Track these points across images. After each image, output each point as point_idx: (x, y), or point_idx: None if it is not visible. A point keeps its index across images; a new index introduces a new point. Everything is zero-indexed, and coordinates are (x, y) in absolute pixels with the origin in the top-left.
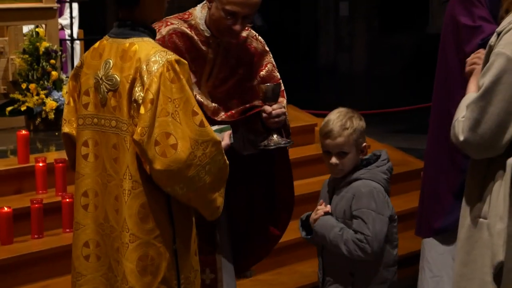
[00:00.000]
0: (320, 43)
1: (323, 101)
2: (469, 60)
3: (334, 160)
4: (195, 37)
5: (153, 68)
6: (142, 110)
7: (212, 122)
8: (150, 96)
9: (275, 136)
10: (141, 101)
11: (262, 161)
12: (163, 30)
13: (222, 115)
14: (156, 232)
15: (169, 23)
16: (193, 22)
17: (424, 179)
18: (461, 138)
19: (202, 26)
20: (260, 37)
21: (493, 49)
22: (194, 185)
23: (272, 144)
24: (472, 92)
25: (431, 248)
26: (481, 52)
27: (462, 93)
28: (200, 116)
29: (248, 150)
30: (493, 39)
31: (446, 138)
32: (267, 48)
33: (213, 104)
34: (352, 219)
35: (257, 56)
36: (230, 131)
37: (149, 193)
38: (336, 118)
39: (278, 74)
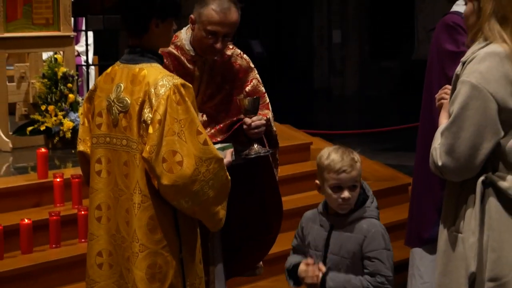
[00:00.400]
0: (315, 68)
1: (318, 121)
2: (438, 96)
3: (347, 194)
4: (182, 57)
5: (161, 91)
6: (150, 130)
7: None
8: (158, 117)
9: (255, 146)
10: (149, 121)
11: (251, 170)
12: None
13: (212, 130)
14: (164, 242)
15: None
16: (179, 43)
17: (413, 194)
18: (440, 163)
19: (188, 46)
20: (245, 55)
21: (459, 78)
22: (199, 199)
23: (252, 153)
24: (444, 124)
25: (422, 256)
26: (448, 88)
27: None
28: (204, 135)
29: (236, 160)
30: (458, 68)
31: None
32: (252, 65)
33: (202, 118)
34: (365, 260)
35: (242, 72)
36: (232, 149)
37: (157, 206)
38: (341, 153)
39: (263, 88)
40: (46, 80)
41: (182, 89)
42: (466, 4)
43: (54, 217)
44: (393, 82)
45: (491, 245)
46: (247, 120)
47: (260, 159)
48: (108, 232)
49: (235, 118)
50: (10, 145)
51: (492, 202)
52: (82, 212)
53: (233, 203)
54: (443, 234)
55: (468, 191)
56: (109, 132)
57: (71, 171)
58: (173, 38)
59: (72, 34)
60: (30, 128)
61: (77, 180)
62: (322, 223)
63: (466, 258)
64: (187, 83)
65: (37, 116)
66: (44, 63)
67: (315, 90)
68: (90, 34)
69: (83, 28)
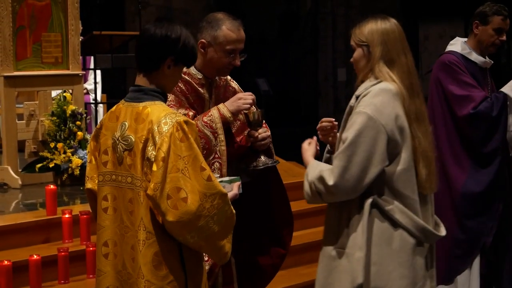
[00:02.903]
0: (320, 105)
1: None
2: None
3: None
4: (192, 81)
5: (164, 129)
6: (154, 168)
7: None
8: (162, 154)
9: (262, 157)
10: (153, 159)
11: (259, 187)
12: None
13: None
14: (170, 278)
15: None
16: (185, 69)
17: None
18: (331, 183)
19: (194, 71)
20: (233, 80)
21: (353, 109)
22: (204, 234)
23: (260, 165)
24: (312, 161)
25: None
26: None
27: (447, 157)
28: (208, 171)
29: (243, 179)
30: (352, 101)
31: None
32: (241, 89)
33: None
34: None
35: (237, 93)
36: (239, 182)
37: (162, 242)
38: None
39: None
40: (55, 118)
41: (185, 126)
42: (355, 49)
43: (63, 253)
44: None
45: (374, 259)
46: (254, 132)
47: (269, 172)
48: (115, 268)
49: (245, 133)
50: (20, 182)
51: (376, 222)
52: (91, 248)
53: (245, 220)
54: (325, 251)
55: (349, 211)
56: (114, 170)
57: (79, 208)
58: None
59: (81, 72)
60: (39, 165)
61: (85, 216)
62: None
63: (351, 271)
64: (190, 120)
65: (46, 154)
66: (53, 101)
67: None
68: (98, 72)
69: (92, 66)
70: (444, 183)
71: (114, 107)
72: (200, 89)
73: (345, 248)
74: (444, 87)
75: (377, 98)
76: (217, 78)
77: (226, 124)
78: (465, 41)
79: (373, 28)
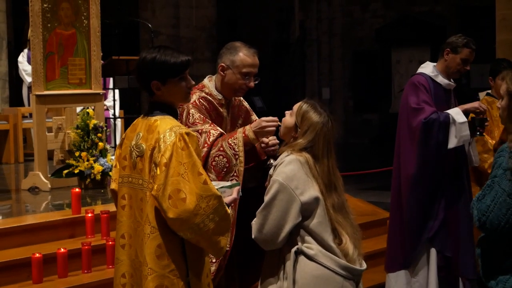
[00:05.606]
0: None
1: None
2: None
3: None
4: (213, 101)
5: (168, 139)
6: (158, 171)
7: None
8: (164, 160)
9: (271, 160)
10: (158, 164)
11: (263, 191)
12: (194, 96)
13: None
14: (171, 267)
15: (196, 92)
16: (207, 90)
17: (390, 227)
18: (253, 236)
19: (215, 92)
20: (245, 101)
21: (272, 176)
22: (200, 230)
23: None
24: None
25: (397, 279)
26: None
27: (410, 159)
28: (204, 176)
29: (250, 183)
30: (272, 170)
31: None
32: (250, 108)
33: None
34: None
35: (249, 112)
36: (238, 187)
37: (164, 236)
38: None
39: None
40: (79, 130)
41: (186, 137)
42: (291, 115)
43: (86, 247)
44: (373, 131)
45: None
46: (265, 139)
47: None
48: (130, 257)
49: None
50: (49, 186)
51: (305, 266)
52: (110, 243)
53: (251, 216)
54: None
55: (284, 258)
56: (130, 173)
57: (100, 208)
58: (201, 87)
59: (102, 91)
60: (66, 171)
61: (105, 215)
62: None
63: None
64: (191, 132)
65: (71, 161)
66: (77, 116)
67: None
68: (117, 91)
69: (111, 86)
70: (399, 183)
71: (135, 121)
72: (220, 108)
73: None
74: (408, 102)
75: (288, 167)
76: (232, 98)
77: (249, 144)
78: (434, 65)
79: (313, 121)
